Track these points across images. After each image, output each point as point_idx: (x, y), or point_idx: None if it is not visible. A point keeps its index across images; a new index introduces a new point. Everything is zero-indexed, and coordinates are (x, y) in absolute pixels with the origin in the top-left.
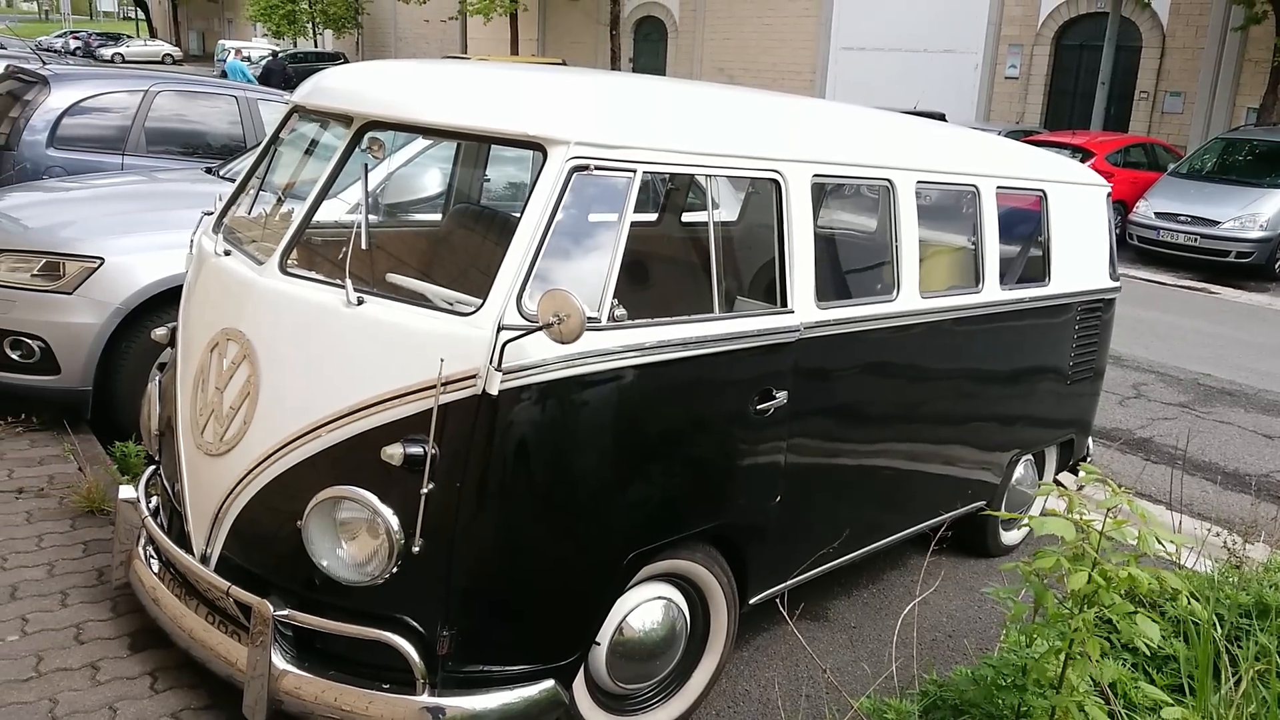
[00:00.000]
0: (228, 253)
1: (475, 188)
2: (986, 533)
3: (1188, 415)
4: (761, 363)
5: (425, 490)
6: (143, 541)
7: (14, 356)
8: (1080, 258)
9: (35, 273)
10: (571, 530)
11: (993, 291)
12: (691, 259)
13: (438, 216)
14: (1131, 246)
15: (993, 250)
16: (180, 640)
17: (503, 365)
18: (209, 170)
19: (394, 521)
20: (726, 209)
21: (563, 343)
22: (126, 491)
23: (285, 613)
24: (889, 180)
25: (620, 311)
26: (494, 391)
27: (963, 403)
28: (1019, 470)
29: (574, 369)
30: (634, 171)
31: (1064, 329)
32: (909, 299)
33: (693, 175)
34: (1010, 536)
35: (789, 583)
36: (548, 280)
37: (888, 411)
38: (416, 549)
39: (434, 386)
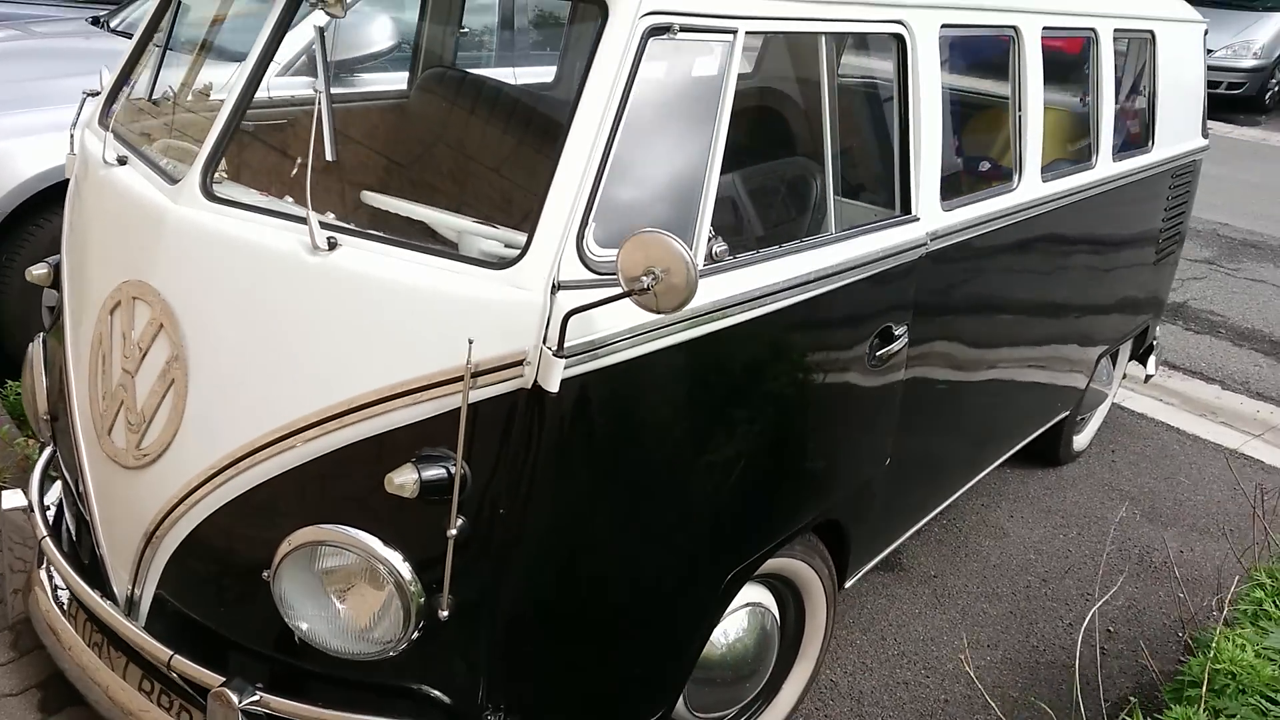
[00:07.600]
0: (123, 160)
1: (447, 45)
2: (1060, 440)
3: (1217, 273)
4: (883, 294)
5: (453, 531)
6: (45, 561)
7: None
8: (1179, 113)
9: None
10: (654, 566)
11: (1106, 165)
12: (795, 152)
13: (397, 84)
14: None
15: (1109, 113)
16: (104, 709)
17: (564, 345)
18: (95, 21)
19: (406, 572)
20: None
21: (659, 311)
22: (13, 498)
23: (255, 698)
24: (1015, 27)
25: (720, 246)
26: (552, 386)
27: (1064, 301)
28: (1100, 367)
29: (663, 339)
30: (734, 32)
31: (1158, 201)
32: (1031, 185)
33: (803, 34)
34: (1080, 440)
35: (884, 552)
36: (618, 204)
37: (999, 329)
38: (445, 613)
39: (459, 379)
